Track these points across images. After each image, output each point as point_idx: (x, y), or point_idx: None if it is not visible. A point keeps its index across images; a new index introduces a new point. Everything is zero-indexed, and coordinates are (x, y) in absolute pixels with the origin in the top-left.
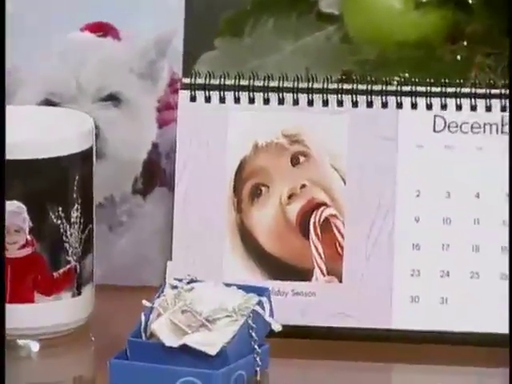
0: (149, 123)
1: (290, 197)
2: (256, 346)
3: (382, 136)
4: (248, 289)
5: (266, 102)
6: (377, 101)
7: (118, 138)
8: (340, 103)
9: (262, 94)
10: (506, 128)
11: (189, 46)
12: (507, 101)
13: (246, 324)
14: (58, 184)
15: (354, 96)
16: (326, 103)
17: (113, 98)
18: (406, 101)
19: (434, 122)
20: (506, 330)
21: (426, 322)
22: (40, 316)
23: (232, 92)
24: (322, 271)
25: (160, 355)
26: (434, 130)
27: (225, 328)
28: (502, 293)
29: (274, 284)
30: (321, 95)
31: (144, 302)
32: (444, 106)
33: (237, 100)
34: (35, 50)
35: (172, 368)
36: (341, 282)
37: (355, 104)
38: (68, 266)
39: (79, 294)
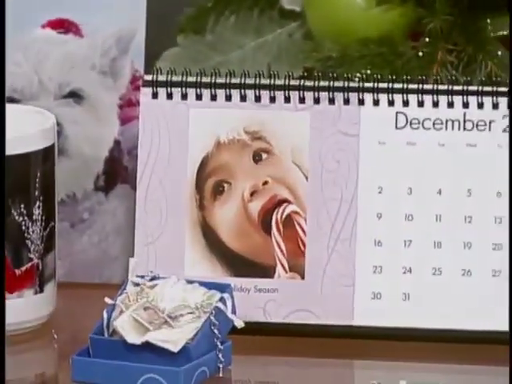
0: (111, 120)
1: (252, 194)
2: (218, 343)
3: (343, 132)
4: (210, 285)
5: (228, 98)
6: (339, 97)
7: (80, 135)
8: (302, 100)
9: (223, 90)
10: (468, 124)
11: (151, 43)
12: (469, 97)
13: (209, 321)
14: (19, 181)
15: (315, 93)
16: (287, 100)
17: (74, 95)
18: (368, 97)
19: (396, 118)
20: (468, 327)
21: (388, 318)
22: None
23: (194, 89)
24: (284, 268)
25: (122, 352)
26: (396, 127)
27: (187, 325)
28: (464, 289)
29: (236, 281)
30: (283, 92)
31: (106, 299)
32: (406, 103)
33: (199, 97)
34: None
35: (134, 365)
36: (303, 278)
37: (317, 101)
38: (30, 264)
39: (41, 291)
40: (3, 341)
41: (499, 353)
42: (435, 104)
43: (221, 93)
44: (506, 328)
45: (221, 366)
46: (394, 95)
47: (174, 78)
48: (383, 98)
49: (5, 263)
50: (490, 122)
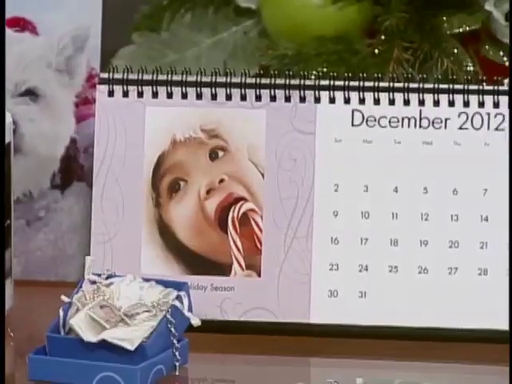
0: (67, 118)
1: (208, 191)
2: (175, 341)
3: (300, 130)
4: (167, 283)
5: (184, 96)
6: (295, 95)
7: (36, 133)
8: (258, 98)
9: (180, 88)
10: (424, 122)
11: (106, 41)
12: (425, 95)
13: (165, 319)
14: None
15: (271, 90)
16: (244, 98)
17: (30, 93)
18: (324, 95)
19: (352, 116)
20: (423, 324)
21: (345, 315)
22: None
23: (150, 87)
24: (240, 266)
25: (79, 350)
26: (352, 124)
27: (144, 323)
28: (420, 286)
29: (193, 279)
30: (239, 90)
31: (62, 297)
32: (362, 100)
33: (155, 95)
34: None
35: (91, 363)
36: (259, 276)
37: (273, 98)
38: None
39: None
40: (3, 340)
41: (455, 349)
42: (391, 101)
43: (177, 91)
44: (460, 326)
45: (177, 364)
46: (350, 93)
47: (130, 76)
48: (339, 95)
49: (4, 263)
50: (445, 120)
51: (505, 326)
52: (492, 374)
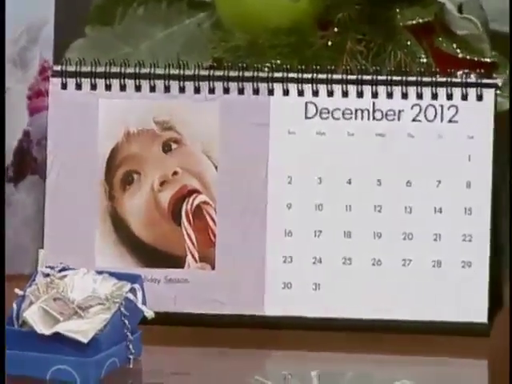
0: (20, 111)
1: (161, 184)
2: (129, 334)
3: (253, 122)
4: (120, 276)
5: (138, 89)
6: (248, 87)
7: None
8: (211, 90)
9: (133, 81)
10: (378, 114)
11: (59, 34)
12: (378, 87)
13: (119, 311)
14: None
15: (225, 83)
16: (197, 90)
17: None
18: (278, 87)
19: (306, 108)
20: (377, 316)
21: (299, 307)
22: None
23: (103, 79)
24: (194, 258)
25: (32, 343)
26: (306, 117)
27: (97, 316)
28: (374, 278)
29: (147, 271)
30: (192, 82)
31: (16, 290)
32: (315, 93)
33: (108, 87)
34: None
35: (45, 356)
36: (213, 268)
37: (227, 91)
38: None
39: None
40: (3, 339)
41: (408, 341)
42: (345, 94)
43: (130, 83)
44: (413, 317)
45: (131, 356)
46: (304, 85)
47: (83, 69)
48: (293, 87)
49: (4, 263)
50: (399, 112)
51: (456, 318)
52: (444, 366)
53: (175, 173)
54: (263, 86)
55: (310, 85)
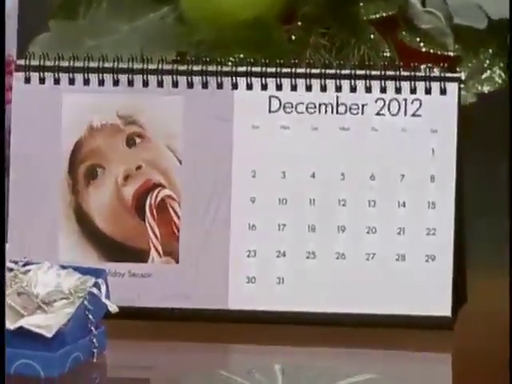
0: None
1: (125, 178)
2: (93, 328)
3: (217, 117)
4: (84, 270)
5: (101, 83)
6: (212, 82)
7: None
8: (175, 84)
9: (96, 75)
10: (341, 108)
11: (23, 28)
12: (342, 81)
13: (83, 306)
14: None
15: (188, 77)
16: (160, 84)
17: None
18: (241, 81)
19: (270, 102)
20: (342, 310)
21: (263, 302)
22: None
23: (67, 74)
24: (158, 252)
25: None
26: (270, 111)
27: (61, 310)
28: (338, 272)
29: (111, 265)
30: (156, 76)
31: None
32: (279, 87)
33: (71, 81)
34: None
35: (8, 350)
36: (177, 262)
37: (190, 85)
38: None
39: None
40: (3, 339)
41: (372, 335)
42: (308, 88)
43: (94, 77)
44: (376, 311)
45: (95, 351)
46: (267, 79)
47: (47, 63)
48: (256, 82)
49: (5, 263)
50: (362, 106)
51: (419, 311)
52: (407, 359)
53: (139, 167)
54: (227, 81)
55: (273, 79)
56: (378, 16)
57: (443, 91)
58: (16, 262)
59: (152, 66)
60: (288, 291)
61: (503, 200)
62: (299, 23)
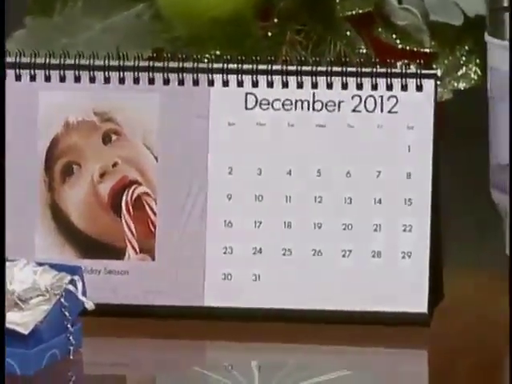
0: None
1: (101, 175)
2: (69, 325)
3: (193, 113)
4: (60, 268)
5: (77, 80)
6: (188, 78)
7: None
8: (151, 81)
9: (72, 72)
10: (318, 105)
11: None
12: (318, 77)
13: (59, 303)
14: None
15: (165, 74)
16: (137, 81)
17: None
18: (218, 78)
19: (246, 99)
20: (318, 306)
21: (239, 299)
22: None
23: (42, 70)
24: (134, 249)
25: None
26: (246, 108)
27: (37, 307)
28: (314, 269)
29: (87, 263)
30: (132, 73)
31: None
32: (255, 84)
33: (47, 78)
34: None
35: None
36: (153, 259)
37: (166, 82)
38: None
39: None
40: (3, 339)
41: (348, 332)
42: (284, 85)
43: (70, 74)
44: (352, 308)
45: (71, 348)
46: (244, 76)
47: (23, 60)
48: (232, 78)
49: (5, 262)
50: (339, 103)
51: (396, 308)
52: (384, 356)
53: (115, 164)
54: (203, 77)
55: (249, 76)
56: (354, 13)
57: (419, 88)
58: None
59: (128, 63)
60: (264, 288)
61: (480, 198)
62: (275, 20)
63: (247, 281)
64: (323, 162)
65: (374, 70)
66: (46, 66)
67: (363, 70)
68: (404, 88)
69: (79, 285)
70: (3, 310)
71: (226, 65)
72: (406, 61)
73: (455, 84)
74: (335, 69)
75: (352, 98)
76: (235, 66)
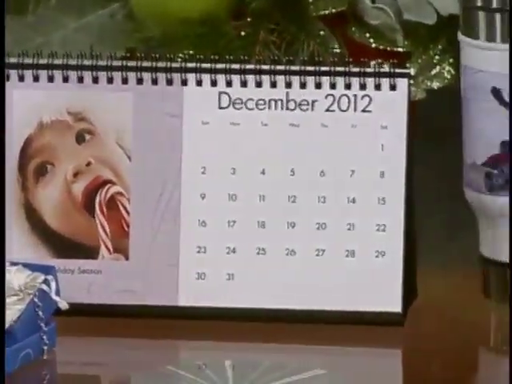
0: None
1: (75, 175)
2: (43, 325)
3: (167, 113)
4: (34, 267)
5: (51, 79)
6: (161, 78)
7: None
8: (125, 80)
9: (46, 71)
10: (291, 104)
11: None
12: (291, 77)
13: (33, 303)
14: None
15: (138, 73)
16: (110, 81)
17: None
18: (191, 78)
19: (219, 98)
20: (292, 306)
21: (213, 298)
22: None
23: (16, 70)
24: (108, 249)
25: None
26: (220, 107)
27: (11, 307)
28: (288, 268)
29: (60, 262)
30: (105, 73)
31: None
32: (229, 83)
33: (21, 78)
34: None
35: None
36: (127, 259)
37: (140, 81)
38: None
39: None
40: (3, 340)
41: (323, 331)
42: (258, 84)
43: (43, 74)
44: (326, 307)
45: (45, 347)
46: (217, 75)
47: None
48: (206, 78)
49: (4, 260)
50: (312, 102)
51: (370, 307)
52: (358, 355)
53: (89, 163)
54: (176, 77)
55: (223, 75)
56: (327, 12)
57: (393, 87)
58: None
59: (102, 63)
60: (238, 287)
61: (453, 197)
62: (248, 19)
63: (221, 280)
64: (297, 162)
65: (348, 69)
66: (19, 65)
67: (337, 69)
68: (377, 87)
69: (53, 284)
70: (3, 310)
71: (199, 64)
72: (379, 60)
73: (429, 83)
74: (309, 68)
75: (326, 97)
76: (209, 65)
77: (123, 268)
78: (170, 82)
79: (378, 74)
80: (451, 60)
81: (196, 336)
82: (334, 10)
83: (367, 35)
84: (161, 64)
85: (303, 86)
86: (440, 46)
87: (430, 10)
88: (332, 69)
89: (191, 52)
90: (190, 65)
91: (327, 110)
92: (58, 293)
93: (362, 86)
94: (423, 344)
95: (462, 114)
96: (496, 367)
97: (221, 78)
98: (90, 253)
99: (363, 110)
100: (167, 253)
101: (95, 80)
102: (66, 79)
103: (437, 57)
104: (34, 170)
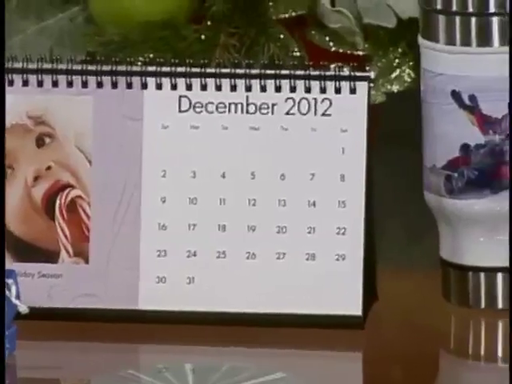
0: None
1: (35, 179)
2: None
3: (127, 116)
4: None
5: (11, 83)
6: (121, 81)
7: None
8: (84, 84)
9: (6, 75)
10: (251, 107)
11: None
12: (251, 80)
13: None
14: None
15: (98, 77)
16: (70, 84)
17: None
18: (151, 81)
19: (179, 102)
20: (252, 309)
21: (173, 302)
22: None
23: None
24: (68, 253)
25: None
26: (180, 110)
27: None
28: (248, 272)
29: (20, 266)
30: (65, 76)
31: None
32: (189, 86)
33: None
34: None
35: None
36: (87, 263)
37: (100, 85)
38: None
39: None
40: (3, 341)
41: (283, 335)
42: (218, 87)
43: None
44: (287, 311)
45: (6, 351)
46: (177, 79)
47: None
48: (166, 81)
49: (4, 262)
50: (272, 105)
51: (330, 311)
52: (319, 358)
53: (49, 167)
54: (136, 80)
55: (183, 79)
56: (287, 15)
57: (353, 90)
58: None
59: (61, 66)
60: (198, 291)
61: (413, 200)
62: (208, 23)
63: (181, 284)
64: (257, 165)
65: (308, 72)
66: None
67: (296, 72)
68: (337, 91)
69: (13, 288)
70: (3, 310)
71: (159, 68)
72: (339, 63)
73: (388, 87)
74: (268, 71)
75: (285, 100)
76: (168, 69)
77: (83, 272)
78: (129, 86)
79: (338, 78)
80: (411, 63)
81: (156, 339)
82: (293, 14)
83: (327, 38)
84: (121, 67)
85: (263, 89)
86: (400, 50)
87: (389, 14)
88: (292, 72)
89: (151, 55)
90: (150, 68)
91: (287, 114)
92: (18, 297)
93: (322, 90)
94: (384, 347)
95: (422, 117)
96: (456, 370)
97: (181, 82)
98: (51, 257)
99: (323, 114)
100: (127, 256)
101: (55, 84)
102: (25, 83)
103: (397, 60)
104: None
